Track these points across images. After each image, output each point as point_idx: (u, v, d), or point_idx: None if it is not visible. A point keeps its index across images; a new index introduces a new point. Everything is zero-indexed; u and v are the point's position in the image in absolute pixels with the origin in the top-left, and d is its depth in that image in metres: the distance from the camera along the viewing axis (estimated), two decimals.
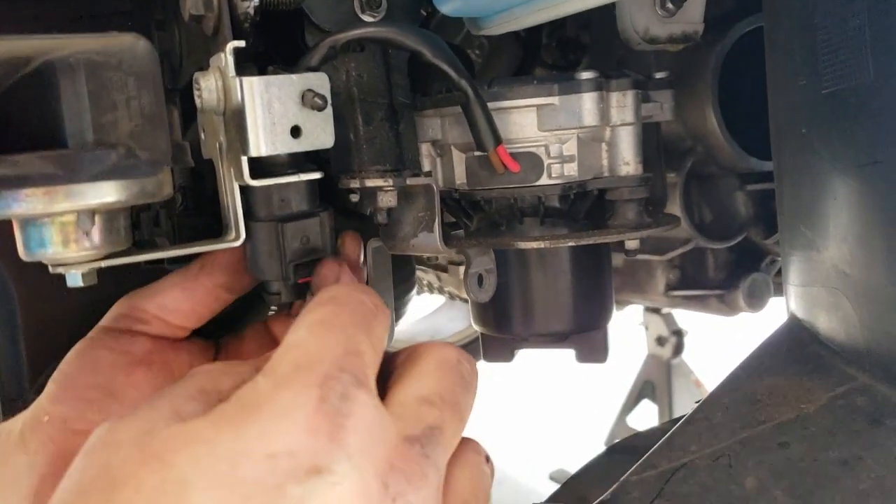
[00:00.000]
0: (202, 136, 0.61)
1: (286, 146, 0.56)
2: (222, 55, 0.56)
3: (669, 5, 0.70)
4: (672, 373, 2.49)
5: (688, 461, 0.59)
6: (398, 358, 0.53)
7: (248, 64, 0.57)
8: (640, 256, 1.14)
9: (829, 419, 0.58)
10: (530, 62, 1.07)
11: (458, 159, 0.70)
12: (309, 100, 0.56)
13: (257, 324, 0.73)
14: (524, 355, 0.83)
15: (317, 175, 0.60)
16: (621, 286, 1.25)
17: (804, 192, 0.63)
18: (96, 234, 0.54)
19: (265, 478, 0.39)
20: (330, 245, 0.63)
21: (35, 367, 0.79)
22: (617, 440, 1.09)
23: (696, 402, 0.65)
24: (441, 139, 0.70)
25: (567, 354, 0.80)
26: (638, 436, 0.93)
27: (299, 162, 0.60)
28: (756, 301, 1.15)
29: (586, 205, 0.70)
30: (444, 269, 1.68)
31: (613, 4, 0.69)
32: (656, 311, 2.41)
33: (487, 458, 0.51)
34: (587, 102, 0.66)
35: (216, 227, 0.62)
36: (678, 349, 2.49)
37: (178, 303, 0.66)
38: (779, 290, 1.17)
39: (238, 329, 0.73)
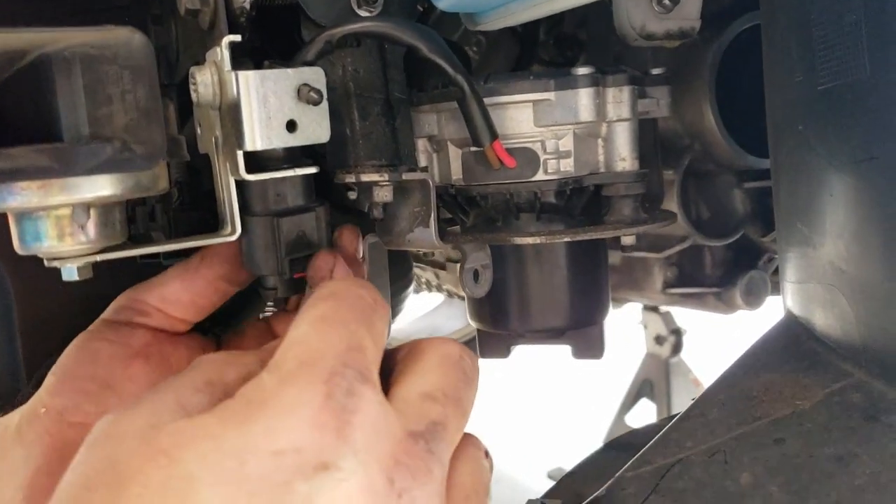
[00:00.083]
0: (198, 130, 0.61)
1: (282, 140, 0.56)
2: (218, 49, 0.56)
3: (666, 1, 0.70)
4: (670, 372, 2.48)
5: (683, 457, 0.59)
6: (398, 354, 0.53)
7: (244, 58, 0.57)
8: (637, 254, 1.14)
9: (824, 415, 0.58)
10: (527, 59, 1.07)
11: (455, 155, 0.70)
12: (305, 94, 0.56)
13: (257, 321, 0.73)
14: (523, 354, 0.83)
15: (312, 170, 0.60)
16: (619, 284, 1.25)
17: (801, 189, 0.63)
18: (91, 227, 0.54)
19: (272, 474, 0.39)
20: (326, 240, 0.63)
21: (31, 363, 0.79)
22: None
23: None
24: (437, 135, 0.70)
25: (564, 351, 0.80)
26: (634, 433, 0.93)
27: (295, 156, 0.60)
28: (753, 299, 1.15)
29: (582, 200, 0.70)
30: (443, 267, 1.69)
31: (610, 0, 0.69)
32: (655, 309, 2.41)
33: (487, 453, 0.52)
34: (583, 98, 0.66)
35: (212, 222, 0.62)
36: (677, 348, 2.49)
37: (179, 294, 0.66)
38: (776, 288, 1.17)
39: (236, 325, 0.73)
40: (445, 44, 0.62)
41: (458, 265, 0.71)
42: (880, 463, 0.53)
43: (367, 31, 0.61)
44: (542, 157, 0.67)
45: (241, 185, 0.59)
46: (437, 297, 2.46)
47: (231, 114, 0.56)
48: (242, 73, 0.55)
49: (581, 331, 0.77)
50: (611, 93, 0.67)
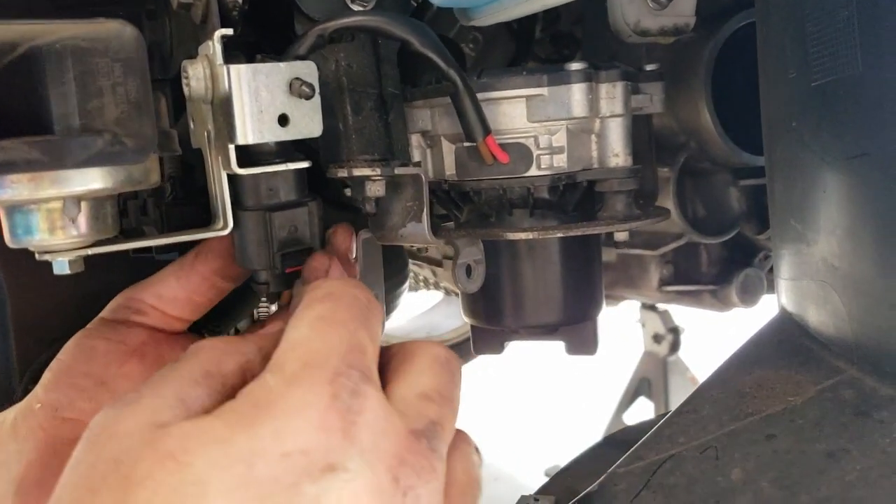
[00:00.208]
0: (191, 125, 0.61)
1: (273, 134, 0.56)
2: (210, 43, 0.56)
3: None
4: (668, 370, 2.48)
5: (675, 453, 0.59)
6: (387, 355, 0.53)
7: (237, 52, 0.57)
8: (633, 251, 1.14)
9: (816, 411, 0.58)
10: (523, 56, 1.07)
11: (448, 150, 0.70)
12: (297, 88, 0.56)
13: (254, 324, 0.73)
14: (522, 353, 0.83)
15: (304, 164, 0.60)
16: (615, 282, 1.25)
17: (795, 186, 0.63)
18: (83, 221, 0.54)
19: (281, 477, 0.39)
20: (318, 235, 0.63)
21: (25, 363, 0.79)
22: None
23: None
24: (431, 130, 0.70)
25: (560, 348, 0.80)
26: (629, 429, 0.93)
27: (287, 151, 0.60)
28: (749, 297, 1.15)
29: (576, 196, 0.70)
30: (439, 264, 1.68)
31: None
32: (653, 308, 2.42)
33: (476, 449, 0.52)
34: (576, 93, 0.66)
35: (205, 217, 0.62)
36: (675, 346, 2.49)
37: (175, 291, 0.66)
38: (772, 285, 1.17)
39: (230, 324, 0.74)
40: (438, 39, 0.62)
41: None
42: (871, 458, 0.53)
43: (358, 25, 0.61)
44: (536, 152, 0.67)
45: (233, 179, 0.59)
46: (435, 295, 2.46)
47: (223, 108, 0.56)
48: (234, 67, 0.55)
49: (574, 327, 0.77)
50: (604, 88, 0.67)
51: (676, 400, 2.47)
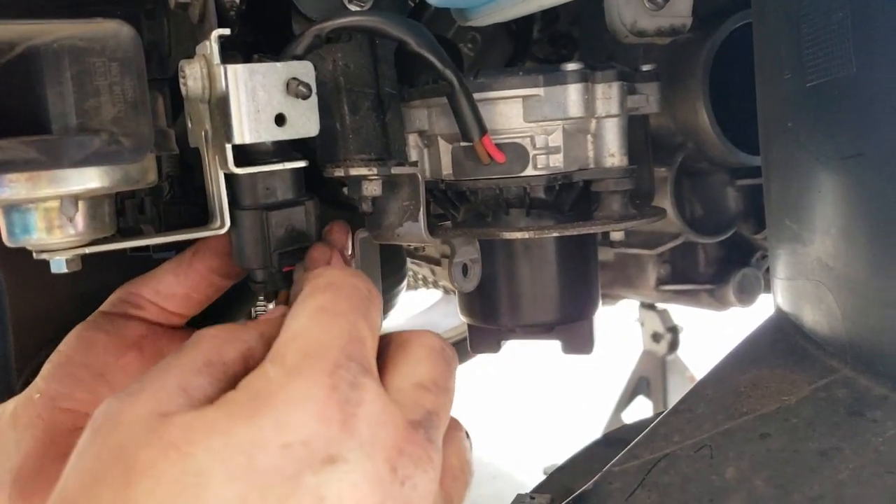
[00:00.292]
0: (189, 124, 0.62)
1: (270, 134, 0.56)
2: (207, 43, 0.56)
3: None
4: (667, 369, 2.48)
5: (670, 452, 0.60)
6: (382, 343, 0.53)
7: (234, 52, 0.57)
8: (630, 251, 1.15)
9: (810, 411, 0.58)
10: (521, 56, 1.07)
11: (445, 150, 0.70)
12: (293, 88, 0.56)
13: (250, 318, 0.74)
14: (522, 352, 0.83)
15: (301, 163, 0.61)
16: (612, 281, 1.25)
17: (791, 186, 0.63)
18: (80, 220, 0.55)
19: (281, 468, 0.40)
20: (315, 234, 0.63)
21: (23, 361, 0.80)
22: None
23: None
24: (428, 130, 0.70)
25: (557, 347, 0.80)
26: (626, 428, 0.94)
27: (284, 150, 0.60)
28: (746, 296, 1.15)
29: (572, 196, 0.71)
30: (438, 263, 1.68)
31: None
32: (652, 307, 2.41)
33: (467, 434, 0.53)
34: (572, 94, 0.66)
35: (203, 216, 0.62)
36: (673, 346, 2.49)
37: (173, 287, 0.67)
38: (769, 285, 1.17)
39: (228, 321, 0.74)
40: (435, 39, 0.62)
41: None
42: (863, 457, 0.53)
43: (355, 25, 0.61)
44: (532, 152, 0.68)
45: (230, 178, 0.59)
46: (434, 294, 2.46)
47: (220, 107, 0.56)
48: (231, 67, 0.55)
49: (570, 326, 0.77)
50: (600, 89, 0.67)
51: (675, 399, 2.46)
